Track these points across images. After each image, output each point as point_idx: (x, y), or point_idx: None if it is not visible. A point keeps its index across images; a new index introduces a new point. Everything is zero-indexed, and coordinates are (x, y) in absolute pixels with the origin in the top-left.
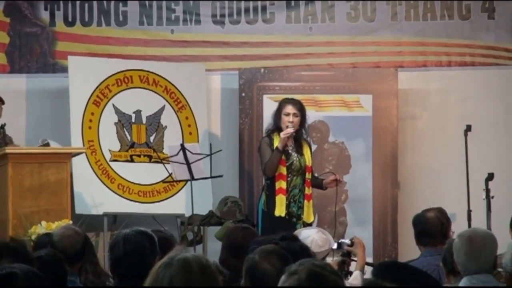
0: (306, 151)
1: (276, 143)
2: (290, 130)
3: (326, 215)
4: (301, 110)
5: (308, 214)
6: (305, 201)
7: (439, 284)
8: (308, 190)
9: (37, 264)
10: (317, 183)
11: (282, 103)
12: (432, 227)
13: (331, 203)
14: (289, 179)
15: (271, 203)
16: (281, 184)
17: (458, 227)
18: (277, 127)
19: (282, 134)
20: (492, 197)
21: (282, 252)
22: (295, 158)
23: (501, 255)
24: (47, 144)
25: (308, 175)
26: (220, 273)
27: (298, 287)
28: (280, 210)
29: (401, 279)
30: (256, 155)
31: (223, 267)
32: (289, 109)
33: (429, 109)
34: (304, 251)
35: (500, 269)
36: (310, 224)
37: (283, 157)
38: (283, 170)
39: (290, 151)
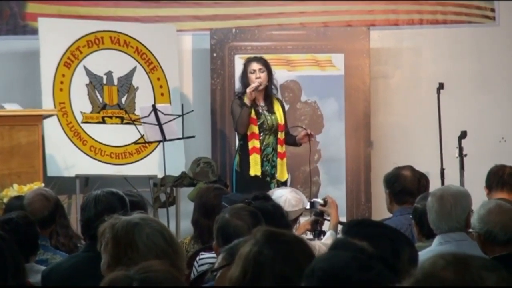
0: (278, 109)
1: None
2: (255, 84)
3: (299, 175)
4: (266, 66)
5: (282, 172)
6: (278, 160)
7: (410, 241)
8: (281, 149)
9: (5, 227)
10: (291, 140)
11: (246, 63)
12: (411, 185)
13: (304, 163)
14: (261, 138)
15: (244, 163)
16: (254, 143)
17: (431, 186)
18: (246, 88)
19: (248, 89)
20: (465, 155)
21: (251, 209)
22: (266, 117)
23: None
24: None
25: (280, 134)
26: None
27: (259, 248)
28: (255, 169)
29: (371, 236)
30: (228, 115)
31: (196, 227)
32: (254, 66)
33: (401, 68)
34: (276, 210)
35: (470, 230)
36: (284, 183)
37: (254, 116)
38: (255, 129)
39: (260, 110)
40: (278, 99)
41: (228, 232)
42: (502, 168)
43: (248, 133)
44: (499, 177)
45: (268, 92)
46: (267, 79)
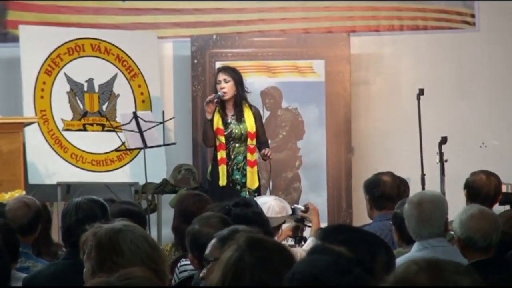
0: (248, 116)
1: (217, 114)
2: (208, 97)
3: (281, 182)
4: (232, 75)
5: (252, 181)
6: (248, 168)
7: (387, 245)
8: (251, 157)
9: None
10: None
11: (216, 74)
12: (390, 191)
13: (286, 169)
14: (231, 147)
15: (215, 173)
16: (222, 154)
17: (412, 192)
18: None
19: (204, 104)
20: (446, 160)
21: (220, 215)
22: (234, 126)
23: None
24: None
25: (250, 142)
26: None
27: (240, 254)
28: (222, 180)
29: (348, 241)
30: None
31: (175, 234)
32: (219, 76)
33: (381, 74)
34: (257, 216)
35: (452, 232)
36: (255, 191)
37: (221, 126)
38: (222, 139)
39: (229, 120)
40: (249, 106)
41: (201, 241)
42: (485, 184)
43: (217, 144)
44: (484, 194)
45: (236, 101)
46: (235, 88)
